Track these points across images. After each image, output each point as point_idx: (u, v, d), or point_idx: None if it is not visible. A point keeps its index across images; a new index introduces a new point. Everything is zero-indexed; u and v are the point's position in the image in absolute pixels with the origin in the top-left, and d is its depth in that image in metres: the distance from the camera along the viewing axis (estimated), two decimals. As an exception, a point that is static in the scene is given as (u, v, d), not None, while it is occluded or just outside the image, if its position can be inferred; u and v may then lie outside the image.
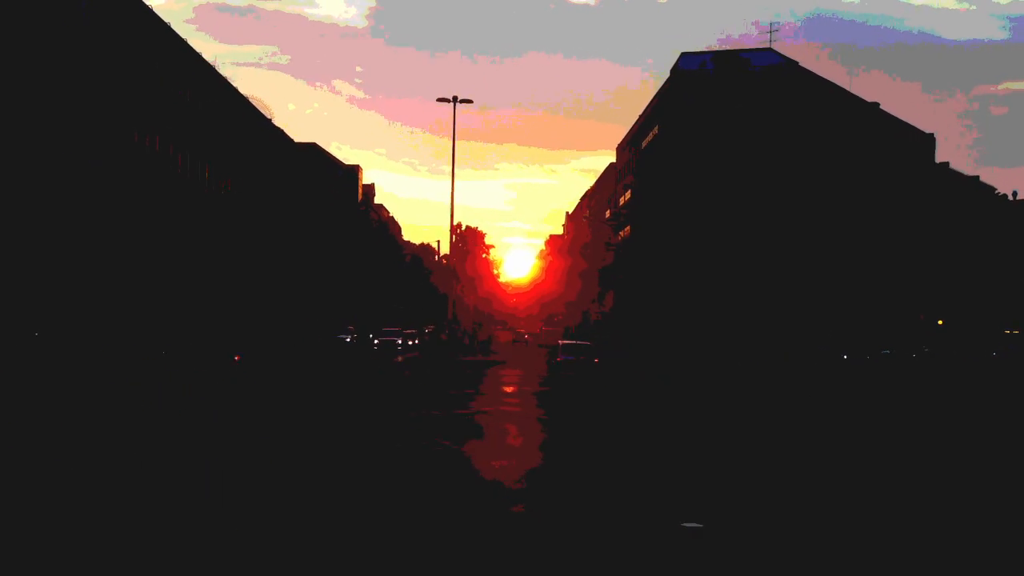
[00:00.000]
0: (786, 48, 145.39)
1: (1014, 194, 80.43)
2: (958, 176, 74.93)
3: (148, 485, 10.46)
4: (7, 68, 32.20)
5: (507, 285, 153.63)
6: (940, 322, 61.63)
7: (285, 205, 66.57)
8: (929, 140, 66.78)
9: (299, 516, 9.04)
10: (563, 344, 39.64)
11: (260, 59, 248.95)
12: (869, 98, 65.16)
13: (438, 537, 8.33)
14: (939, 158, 70.17)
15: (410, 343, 64.85)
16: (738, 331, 53.08)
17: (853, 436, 16.94)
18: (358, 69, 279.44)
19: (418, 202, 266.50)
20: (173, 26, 46.64)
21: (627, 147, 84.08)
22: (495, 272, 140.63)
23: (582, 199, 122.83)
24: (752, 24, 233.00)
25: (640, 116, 77.38)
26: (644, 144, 73.70)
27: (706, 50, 64.76)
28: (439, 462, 12.74)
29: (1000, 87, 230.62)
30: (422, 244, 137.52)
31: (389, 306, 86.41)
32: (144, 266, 40.91)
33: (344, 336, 60.73)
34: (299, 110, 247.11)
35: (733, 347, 48.48)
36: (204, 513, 9.05)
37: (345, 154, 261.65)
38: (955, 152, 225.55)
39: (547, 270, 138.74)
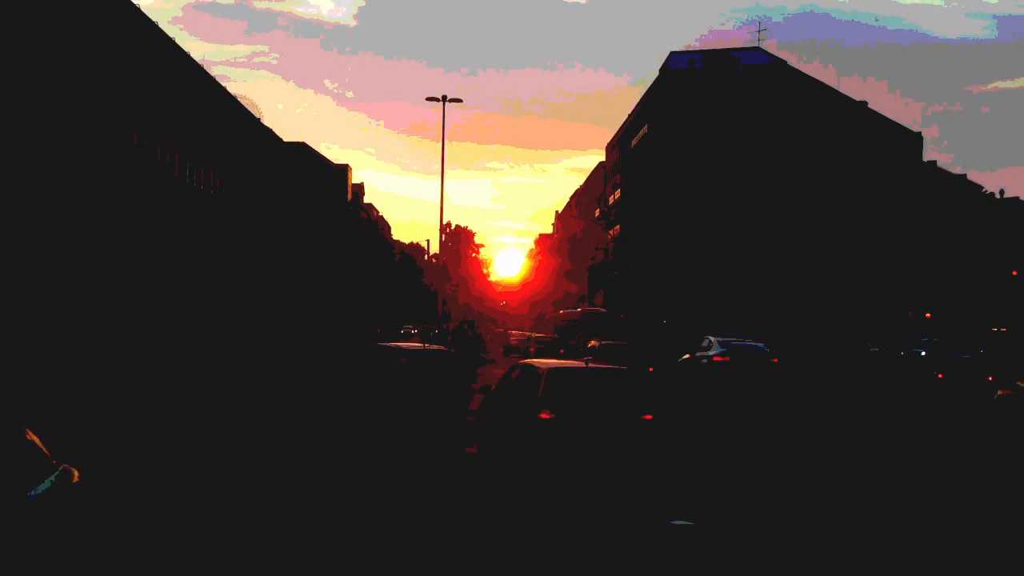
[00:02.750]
0: (775, 46, 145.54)
1: (1001, 192, 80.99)
2: (945, 175, 75.39)
3: (151, 482, 10.48)
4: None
5: (497, 284, 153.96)
6: (928, 315, 61.93)
7: (274, 204, 66.48)
8: (916, 139, 67.19)
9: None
10: None
11: (249, 58, 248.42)
12: (857, 96, 65.56)
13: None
14: (926, 157, 70.66)
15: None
16: (727, 329, 53.28)
17: (842, 435, 17.04)
18: (348, 69, 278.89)
19: (408, 202, 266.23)
20: (161, 25, 46.59)
21: (616, 146, 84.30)
22: (485, 272, 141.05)
23: (571, 198, 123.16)
24: (741, 23, 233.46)
25: (629, 115, 77.61)
26: (633, 143, 73.90)
27: (695, 49, 65.09)
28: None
29: (988, 86, 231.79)
30: (412, 243, 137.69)
31: (379, 306, 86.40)
32: (127, 265, 40.79)
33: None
34: (288, 109, 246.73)
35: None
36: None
37: (335, 154, 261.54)
38: (943, 151, 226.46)
39: (537, 269, 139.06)
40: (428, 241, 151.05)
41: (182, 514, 8.88)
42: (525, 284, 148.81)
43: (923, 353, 43.73)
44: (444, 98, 48.48)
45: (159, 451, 12.94)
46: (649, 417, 11.82)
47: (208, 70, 54.41)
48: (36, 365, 26.97)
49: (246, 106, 62.09)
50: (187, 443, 13.48)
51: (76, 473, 6.90)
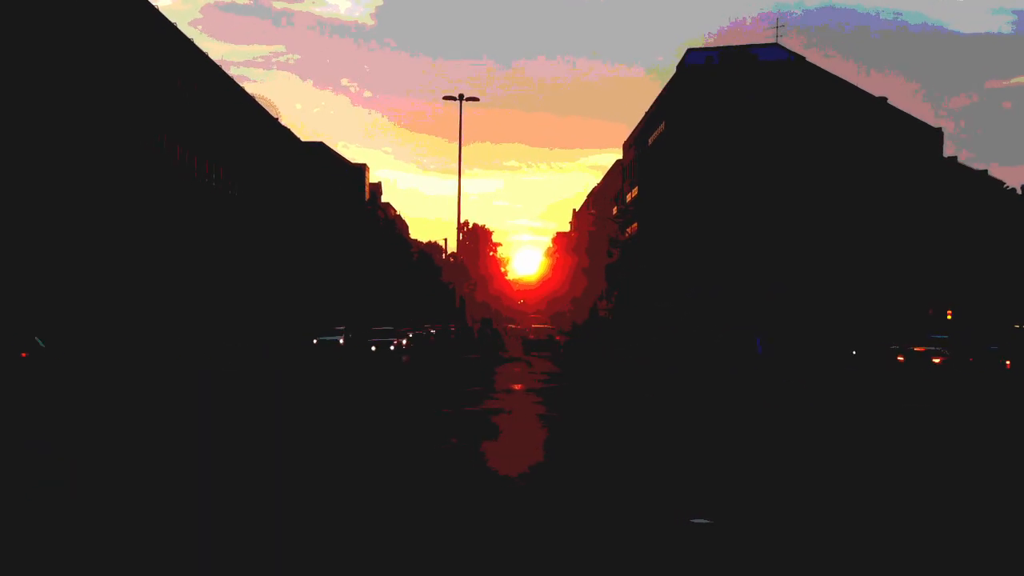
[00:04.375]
0: (793, 41, 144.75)
1: (1022, 188, 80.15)
2: (966, 170, 74.72)
3: (159, 482, 10.54)
4: (13, 68, 32.34)
5: (515, 283, 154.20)
6: (949, 314, 61.40)
7: (292, 204, 66.74)
8: (937, 134, 66.68)
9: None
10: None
11: (268, 59, 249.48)
12: (877, 92, 65.17)
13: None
14: (947, 152, 70.09)
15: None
16: (746, 326, 53.09)
17: (861, 433, 16.93)
18: (365, 68, 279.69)
19: (425, 201, 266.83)
20: (180, 26, 46.85)
21: (633, 144, 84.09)
22: (503, 270, 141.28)
23: (589, 196, 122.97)
24: (761, 17, 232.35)
25: (646, 112, 77.41)
26: (650, 141, 73.69)
27: (713, 45, 64.84)
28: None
29: (1010, 81, 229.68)
30: (430, 242, 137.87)
31: (398, 304, 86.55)
32: (149, 264, 41.05)
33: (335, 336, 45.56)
34: (306, 109, 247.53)
35: (742, 342, 48.43)
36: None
37: (352, 153, 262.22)
38: (964, 146, 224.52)
39: (555, 267, 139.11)
40: (445, 240, 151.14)
41: (182, 514, 8.93)
42: (543, 282, 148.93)
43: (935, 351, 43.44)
44: (461, 97, 48.63)
45: (160, 450, 13.01)
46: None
47: (226, 70, 54.72)
48: (45, 362, 27.19)
49: (264, 106, 62.42)
50: (188, 443, 13.58)
51: None
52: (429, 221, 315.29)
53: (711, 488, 10.78)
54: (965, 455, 14.21)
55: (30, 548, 7.78)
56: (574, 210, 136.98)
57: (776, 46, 64.02)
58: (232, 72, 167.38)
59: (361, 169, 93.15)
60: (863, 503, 10.08)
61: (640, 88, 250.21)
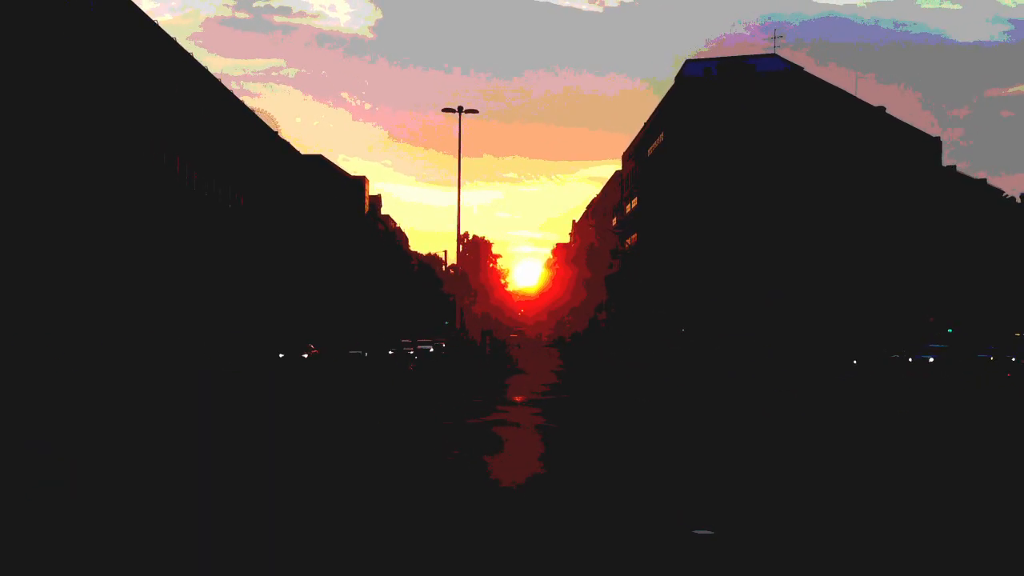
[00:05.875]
0: (791, 52, 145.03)
1: (1021, 197, 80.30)
2: (964, 179, 74.87)
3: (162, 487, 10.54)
4: (14, 80, 32.44)
5: (515, 294, 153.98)
6: (949, 331, 61.40)
7: (292, 217, 66.80)
8: (935, 143, 66.85)
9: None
10: None
11: (268, 72, 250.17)
12: (875, 101, 65.43)
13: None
14: (946, 161, 70.27)
15: None
16: (747, 335, 53.12)
17: (864, 443, 16.93)
18: (365, 81, 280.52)
19: (425, 213, 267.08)
20: (180, 41, 47.01)
21: (633, 155, 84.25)
22: (503, 281, 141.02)
23: (588, 207, 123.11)
24: (758, 29, 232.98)
25: (645, 124, 77.59)
26: (649, 152, 73.87)
27: (711, 56, 65.07)
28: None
29: (1008, 90, 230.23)
30: (430, 254, 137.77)
31: (399, 316, 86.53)
32: (150, 277, 41.09)
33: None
34: (306, 122, 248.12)
35: (743, 351, 48.47)
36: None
37: (352, 166, 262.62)
38: (962, 155, 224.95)
39: (555, 279, 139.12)
40: (445, 252, 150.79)
41: (182, 514, 8.94)
42: (543, 293, 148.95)
43: (931, 360, 43.50)
44: (460, 109, 48.66)
45: (161, 450, 13.02)
46: None
47: (227, 85, 54.89)
48: (59, 366, 27.21)
49: (264, 120, 62.57)
50: (190, 443, 13.55)
51: None
52: (429, 233, 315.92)
53: (712, 496, 10.79)
54: (962, 459, 14.22)
55: (30, 548, 7.79)
56: (574, 221, 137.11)
57: (774, 57, 64.25)
58: (232, 86, 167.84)
59: (360, 182, 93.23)
60: (862, 509, 10.09)
61: (639, 100, 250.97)
